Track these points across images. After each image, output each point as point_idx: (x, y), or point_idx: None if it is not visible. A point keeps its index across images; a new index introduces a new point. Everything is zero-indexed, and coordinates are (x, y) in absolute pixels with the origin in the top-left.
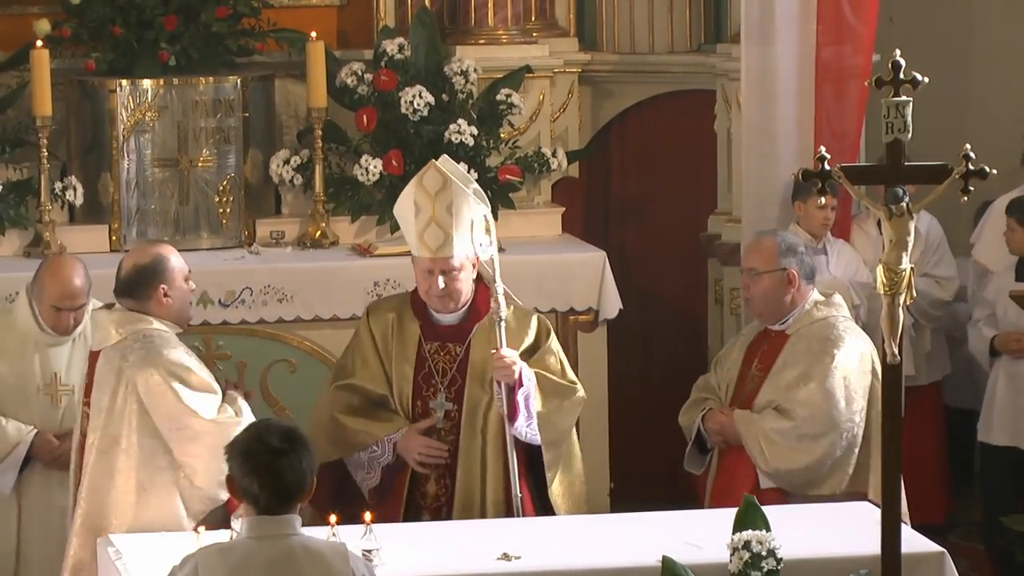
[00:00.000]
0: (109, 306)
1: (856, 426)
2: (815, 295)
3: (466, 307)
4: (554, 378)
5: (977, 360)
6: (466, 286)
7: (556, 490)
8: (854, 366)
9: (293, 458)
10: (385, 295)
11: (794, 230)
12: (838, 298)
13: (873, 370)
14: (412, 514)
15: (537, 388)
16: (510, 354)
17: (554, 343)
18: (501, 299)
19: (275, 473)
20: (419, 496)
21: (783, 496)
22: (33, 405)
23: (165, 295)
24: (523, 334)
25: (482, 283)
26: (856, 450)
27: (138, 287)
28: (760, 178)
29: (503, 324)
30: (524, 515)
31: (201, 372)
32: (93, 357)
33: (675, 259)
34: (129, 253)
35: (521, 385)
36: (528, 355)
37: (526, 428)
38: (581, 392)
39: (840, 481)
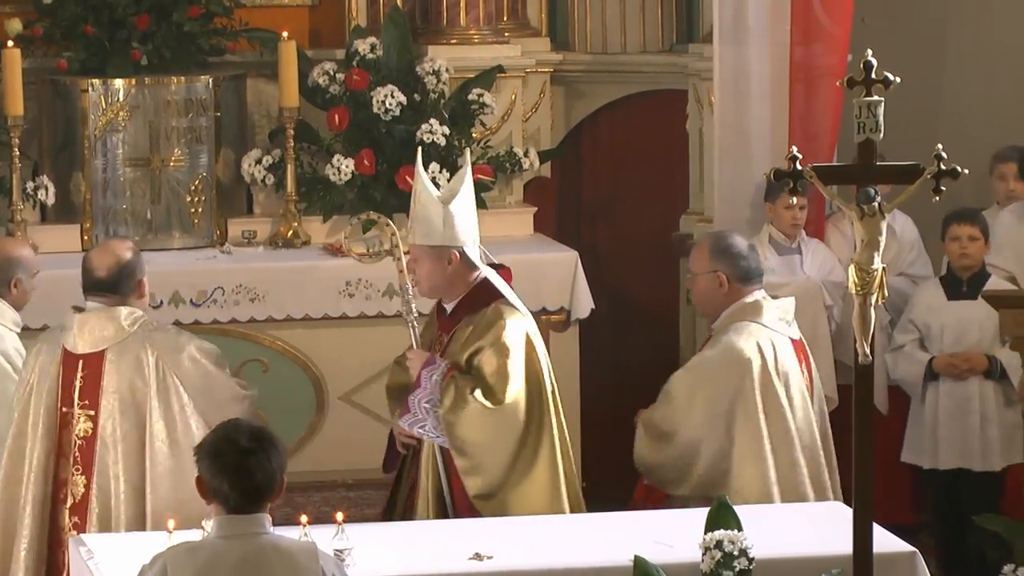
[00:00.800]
0: (78, 308)
1: (699, 428)
2: (754, 297)
3: (457, 300)
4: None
5: (903, 386)
6: (424, 276)
7: (493, 498)
8: (711, 368)
9: (262, 457)
10: (357, 295)
11: (768, 231)
12: (775, 303)
13: (745, 374)
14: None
15: (454, 392)
16: (414, 355)
17: (497, 351)
18: (411, 300)
19: (244, 473)
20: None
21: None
22: None
23: (143, 288)
24: (482, 334)
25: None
26: (705, 454)
27: (121, 283)
28: (733, 178)
29: (412, 324)
30: (457, 512)
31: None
32: (94, 360)
33: (647, 259)
34: (99, 253)
35: (418, 386)
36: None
37: (418, 428)
38: (490, 405)
39: (689, 483)
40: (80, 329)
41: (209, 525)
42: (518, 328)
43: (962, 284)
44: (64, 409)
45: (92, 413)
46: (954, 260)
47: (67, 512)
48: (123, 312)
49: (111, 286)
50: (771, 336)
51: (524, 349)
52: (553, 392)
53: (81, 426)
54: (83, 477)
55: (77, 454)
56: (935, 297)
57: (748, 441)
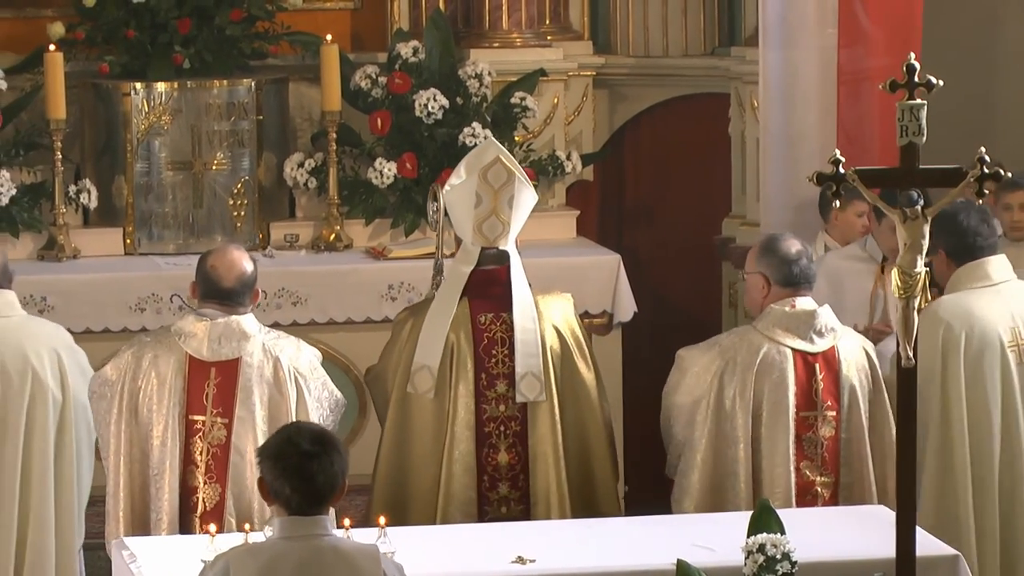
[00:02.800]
0: (200, 315)
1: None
2: (793, 302)
3: None
4: None
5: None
6: None
7: None
8: (693, 359)
9: (324, 460)
10: (399, 298)
11: (822, 239)
12: (804, 312)
13: (716, 380)
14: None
15: None
16: None
17: None
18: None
19: (306, 475)
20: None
21: None
22: None
23: (258, 296)
24: None
25: None
26: (675, 431)
27: (245, 293)
28: (779, 182)
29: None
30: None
31: None
32: (228, 368)
33: (689, 262)
34: (224, 263)
35: None
36: None
37: None
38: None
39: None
40: (208, 337)
41: (269, 529)
42: None
43: None
44: (191, 416)
45: (226, 421)
46: (1007, 229)
47: (198, 520)
48: (252, 321)
49: (236, 296)
50: (760, 345)
51: None
52: None
53: (215, 434)
54: (217, 486)
55: (211, 462)
56: None
57: (699, 436)
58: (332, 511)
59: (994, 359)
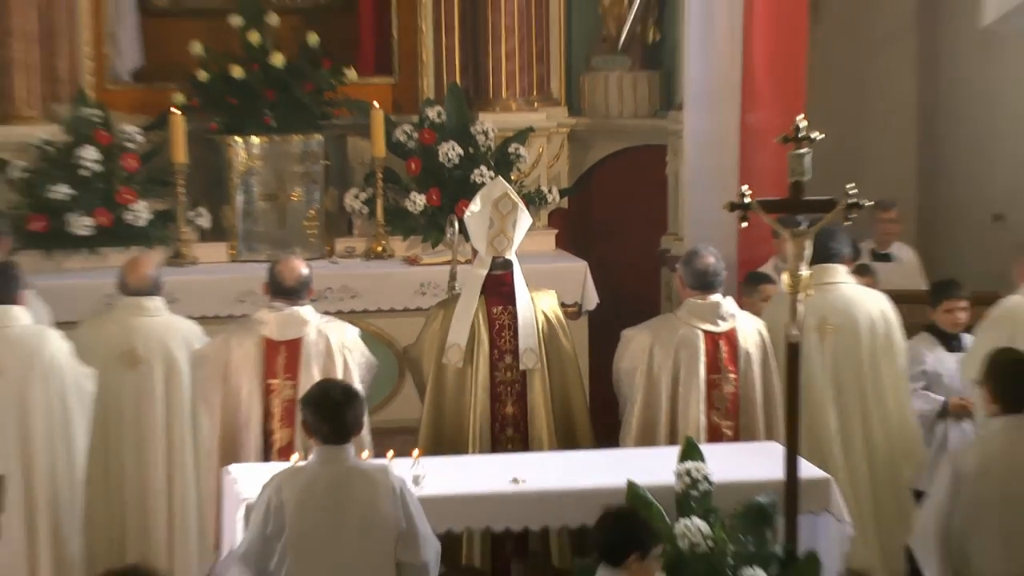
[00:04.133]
0: (272, 308)
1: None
2: (705, 296)
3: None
4: None
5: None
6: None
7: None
8: (628, 337)
9: (349, 407)
10: (427, 293)
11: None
12: (709, 304)
13: (641, 346)
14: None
15: None
16: None
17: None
18: (455, 279)
19: (337, 417)
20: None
21: None
22: None
23: (312, 292)
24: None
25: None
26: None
27: (303, 291)
28: (700, 210)
29: (453, 289)
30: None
31: None
32: (293, 345)
33: (637, 267)
34: (286, 269)
35: None
36: None
37: None
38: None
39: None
40: (278, 323)
41: (306, 456)
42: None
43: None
44: (269, 381)
45: (293, 383)
46: (879, 237)
47: (276, 455)
48: (309, 310)
49: (295, 293)
50: (678, 328)
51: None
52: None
53: (285, 393)
54: (288, 430)
55: (283, 413)
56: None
57: (637, 394)
58: (352, 443)
59: (813, 337)
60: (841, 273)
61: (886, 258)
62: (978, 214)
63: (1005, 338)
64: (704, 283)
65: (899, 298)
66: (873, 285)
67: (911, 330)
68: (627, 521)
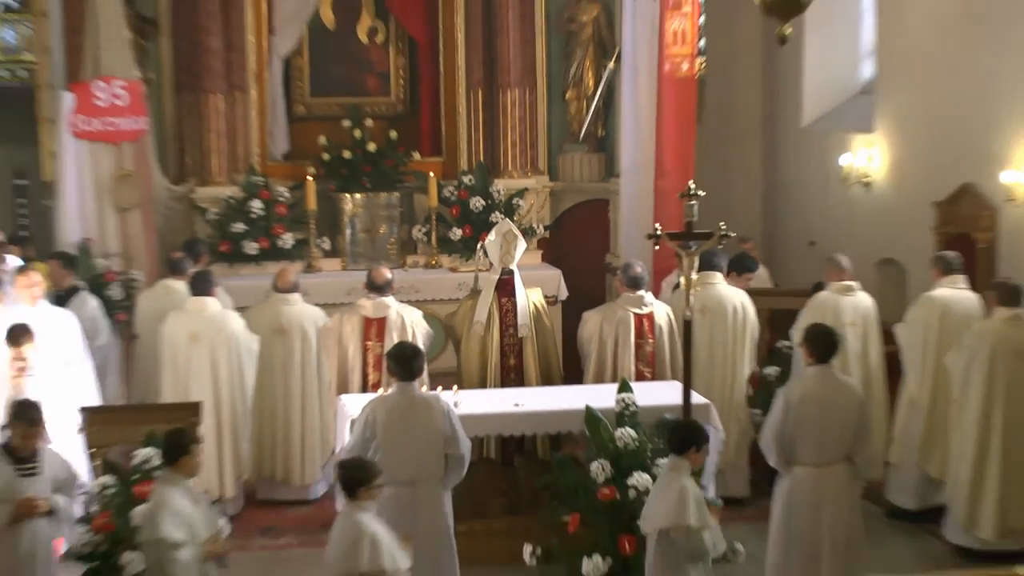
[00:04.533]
0: (368, 297)
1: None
2: (634, 291)
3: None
4: None
5: None
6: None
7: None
8: (586, 322)
9: (415, 359)
10: (463, 288)
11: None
12: (635, 296)
13: (594, 326)
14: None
15: None
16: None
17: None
18: (479, 282)
19: (408, 365)
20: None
21: None
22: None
23: (393, 288)
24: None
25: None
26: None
27: (387, 287)
28: (629, 239)
29: (478, 290)
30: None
31: None
32: (381, 321)
33: (591, 274)
34: (378, 273)
35: None
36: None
37: None
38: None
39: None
40: (372, 307)
41: (392, 388)
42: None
43: None
44: (367, 343)
45: (381, 344)
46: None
47: (370, 388)
48: (391, 299)
49: (383, 288)
50: (617, 311)
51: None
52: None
53: (375, 351)
54: (378, 373)
55: (375, 362)
56: None
57: (592, 352)
58: (417, 381)
59: (699, 318)
60: (718, 277)
61: None
62: (799, 243)
63: (817, 316)
64: (634, 284)
65: (754, 293)
66: (748, 283)
67: (761, 314)
68: (689, 427)
